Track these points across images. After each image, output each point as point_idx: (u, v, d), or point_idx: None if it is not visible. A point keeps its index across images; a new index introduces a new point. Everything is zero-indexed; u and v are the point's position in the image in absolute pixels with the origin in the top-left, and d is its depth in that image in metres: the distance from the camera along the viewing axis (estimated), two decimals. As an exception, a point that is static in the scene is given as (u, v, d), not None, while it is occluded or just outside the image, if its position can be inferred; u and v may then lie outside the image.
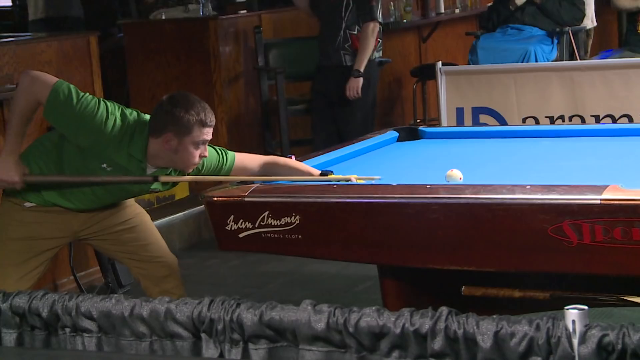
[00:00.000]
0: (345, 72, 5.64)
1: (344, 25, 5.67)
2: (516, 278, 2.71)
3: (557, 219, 2.41)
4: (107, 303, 1.59)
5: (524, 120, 5.13)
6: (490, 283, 2.72)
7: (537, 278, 2.72)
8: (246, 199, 2.76)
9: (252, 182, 2.97)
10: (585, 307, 1.34)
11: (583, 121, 5.00)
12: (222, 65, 6.19)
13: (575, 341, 1.31)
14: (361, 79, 5.59)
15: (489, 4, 6.77)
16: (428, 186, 2.72)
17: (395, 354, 1.45)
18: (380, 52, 5.89)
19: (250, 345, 1.53)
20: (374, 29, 5.64)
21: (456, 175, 2.88)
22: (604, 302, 2.57)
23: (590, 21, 7.30)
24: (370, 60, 5.70)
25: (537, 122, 5.08)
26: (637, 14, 6.17)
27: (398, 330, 1.45)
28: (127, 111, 3.12)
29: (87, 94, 3.11)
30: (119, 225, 3.29)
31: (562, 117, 5.09)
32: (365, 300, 3.89)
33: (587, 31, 7.26)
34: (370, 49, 5.67)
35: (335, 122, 5.77)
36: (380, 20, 5.75)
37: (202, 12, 6.45)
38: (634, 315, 2.76)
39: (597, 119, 5.00)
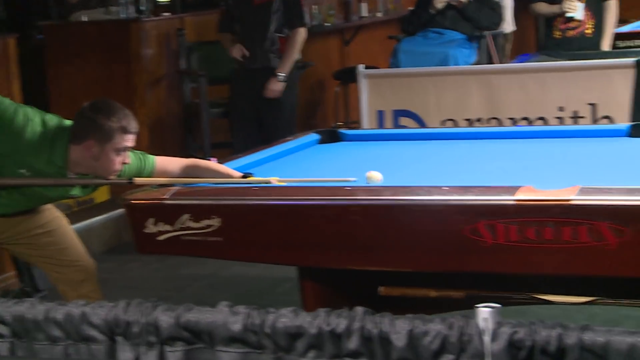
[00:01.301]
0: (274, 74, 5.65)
1: (272, 28, 5.67)
2: (436, 278, 2.74)
3: (473, 219, 2.45)
4: (20, 307, 1.57)
5: (443, 123, 5.19)
6: (410, 283, 2.74)
7: (455, 278, 2.75)
8: (166, 201, 2.74)
9: (173, 185, 2.95)
10: (497, 306, 1.37)
11: (500, 124, 5.08)
12: (144, 68, 6.14)
13: (487, 339, 1.34)
14: (283, 84, 5.60)
15: (411, 8, 6.84)
16: (347, 188, 2.74)
17: (311, 354, 1.47)
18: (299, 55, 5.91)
19: (167, 348, 1.53)
20: (303, 35, 5.67)
21: (376, 177, 2.91)
22: (518, 300, 2.61)
23: (508, 26, 7.43)
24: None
25: (456, 124, 5.14)
26: (554, 19, 6.28)
27: (314, 331, 1.46)
28: (48, 117, 3.08)
29: (6, 99, 3.06)
30: (35, 229, 3.24)
31: (480, 120, 5.17)
32: (285, 302, 3.85)
33: (506, 35, 7.39)
34: (296, 54, 5.70)
35: (258, 125, 5.77)
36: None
37: (124, 14, 6.38)
38: (547, 313, 2.83)
39: (514, 122, 5.08)
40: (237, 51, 5.73)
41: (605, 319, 3.67)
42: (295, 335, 1.45)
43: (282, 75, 5.59)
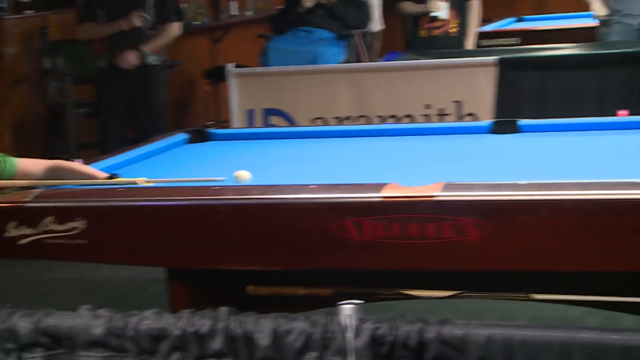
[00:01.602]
0: (150, 70, 5.57)
1: (147, 25, 5.60)
2: (307, 276, 2.75)
3: (340, 217, 2.46)
4: None
5: (312, 121, 5.22)
6: (282, 282, 2.74)
7: (326, 275, 2.77)
8: (27, 204, 2.67)
9: (35, 187, 2.87)
10: (360, 302, 1.38)
11: (369, 121, 5.14)
12: (6, 67, 5.96)
13: (350, 335, 1.35)
14: (138, 58, 5.49)
15: (280, 7, 6.86)
16: (215, 187, 2.72)
17: (175, 355, 1.45)
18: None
19: (25, 354, 1.49)
20: (176, 29, 5.62)
21: (244, 176, 2.90)
22: (385, 296, 2.64)
23: (377, 24, 7.53)
24: (161, 61, 5.67)
25: (325, 122, 5.17)
26: (420, 19, 6.40)
27: (178, 332, 1.45)
28: None
29: None
30: None
31: (349, 118, 5.22)
32: (154, 304, 3.83)
33: (374, 34, 7.49)
34: (163, 44, 5.64)
35: (130, 124, 5.68)
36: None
37: (-16, 11, 6.19)
38: (414, 307, 2.87)
39: (382, 119, 5.16)
40: (137, 19, 5.62)
41: (470, 312, 3.75)
42: (158, 337, 1.43)
43: (143, 51, 5.51)
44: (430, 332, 1.29)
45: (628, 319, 2.83)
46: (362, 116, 5.23)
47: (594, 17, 6.22)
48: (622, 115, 3.85)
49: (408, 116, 5.16)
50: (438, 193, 2.42)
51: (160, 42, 5.55)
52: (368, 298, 2.51)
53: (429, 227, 2.38)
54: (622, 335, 1.17)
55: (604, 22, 6.19)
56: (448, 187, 2.46)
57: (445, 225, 2.38)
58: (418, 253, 2.43)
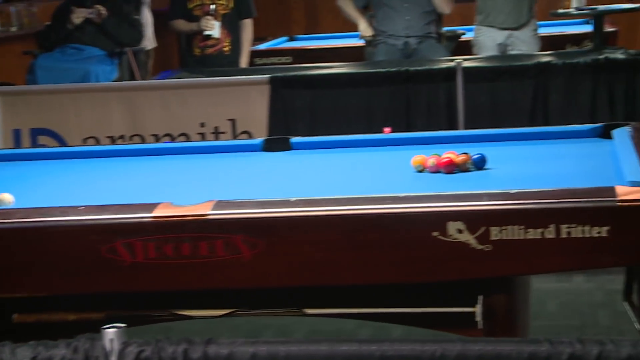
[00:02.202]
0: None
1: None
2: (80, 300, 2.66)
3: (110, 238, 2.42)
4: None
5: (84, 141, 5.09)
6: (55, 307, 2.64)
7: (99, 298, 2.69)
8: None
9: None
10: (122, 325, 1.35)
11: (143, 140, 5.07)
12: None
13: (113, 359, 1.32)
14: None
15: (47, 23, 6.66)
16: (-26, 212, 2.60)
17: None
18: None
19: None
20: None
21: (6, 199, 2.79)
22: (160, 318, 2.61)
23: (150, 42, 7.46)
24: None
25: (98, 142, 5.06)
26: (194, 37, 6.39)
27: None
28: None
29: None
30: None
31: (123, 137, 5.14)
32: None
33: (148, 52, 7.41)
34: None
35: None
36: None
37: None
38: (192, 328, 2.85)
39: (157, 138, 5.10)
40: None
41: (249, 329, 3.77)
42: None
43: None
44: (196, 352, 1.28)
45: (397, 329, 2.92)
46: (136, 135, 5.15)
47: (360, 37, 6.42)
48: (387, 132, 3.95)
49: (183, 135, 5.13)
50: (209, 212, 2.42)
51: None
52: (142, 320, 2.47)
53: (201, 246, 2.38)
54: (379, 346, 1.20)
55: (370, 42, 6.40)
56: (219, 205, 2.47)
57: (217, 243, 2.38)
58: (191, 273, 2.42)
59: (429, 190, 2.56)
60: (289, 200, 2.43)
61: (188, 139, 5.07)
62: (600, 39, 6.00)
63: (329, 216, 2.34)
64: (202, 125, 5.14)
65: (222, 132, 5.16)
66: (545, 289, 4.36)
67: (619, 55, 5.26)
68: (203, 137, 5.13)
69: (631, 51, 5.35)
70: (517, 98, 5.10)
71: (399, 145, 3.45)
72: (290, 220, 2.37)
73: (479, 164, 2.98)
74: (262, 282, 2.42)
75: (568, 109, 5.05)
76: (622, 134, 3.19)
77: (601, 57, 5.15)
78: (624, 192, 2.30)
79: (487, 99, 5.06)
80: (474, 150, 3.02)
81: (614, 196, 2.28)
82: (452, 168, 2.95)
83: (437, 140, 3.42)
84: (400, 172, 3.03)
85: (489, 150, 3.09)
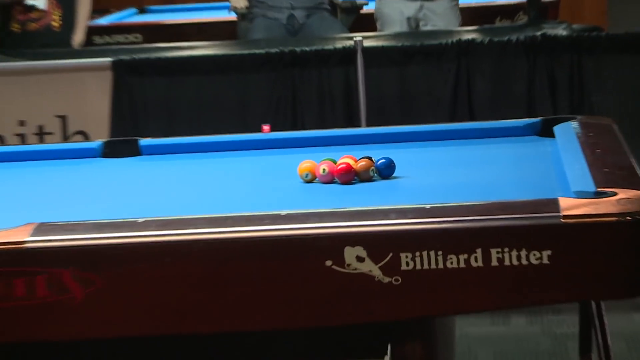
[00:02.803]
0: None
1: None
2: None
3: None
4: None
5: None
6: None
7: None
8: None
9: None
10: None
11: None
12: None
13: None
14: None
15: None
16: None
17: None
18: None
19: None
20: None
21: None
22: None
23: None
24: None
25: None
26: (12, 8, 6.25)
27: None
28: None
29: None
30: None
31: None
32: None
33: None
34: None
35: None
36: None
37: None
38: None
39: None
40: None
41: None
42: None
43: None
44: None
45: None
46: None
47: (231, 9, 6.39)
48: (266, 131, 3.91)
49: (-3, 136, 5.05)
50: (27, 238, 2.33)
51: None
52: None
53: (16, 284, 2.30)
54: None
55: (244, 16, 6.37)
56: (41, 229, 2.38)
57: (38, 280, 2.30)
58: (3, 321, 2.33)
59: (320, 206, 2.55)
60: (135, 222, 2.37)
61: (4, 142, 4.94)
62: (537, 11, 6.08)
63: (188, 242, 2.30)
64: (22, 123, 5.02)
65: (49, 133, 5.06)
66: (475, 335, 4.36)
67: (561, 31, 5.34)
68: (23, 139, 5.01)
69: (575, 26, 5.44)
70: (433, 86, 5.12)
71: (282, 147, 3.49)
72: (137, 248, 2.31)
73: (385, 171, 3.00)
74: (98, 331, 2.33)
75: (498, 99, 5.10)
76: (566, 131, 3.23)
77: (539, 33, 5.21)
78: (569, 205, 2.30)
79: (395, 88, 5.07)
80: (379, 154, 3.05)
81: (557, 211, 2.27)
82: (350, 177, 2.97)
83: (331, 141, 3.47)
84: (284, 182, 3.04)
85: (397, 154, 3.12)
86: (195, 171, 3.35)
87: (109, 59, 5.20)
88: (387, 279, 2.24)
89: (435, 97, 5.17)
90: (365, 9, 6.83)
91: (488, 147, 3.37)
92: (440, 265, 2.25)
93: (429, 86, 5.15)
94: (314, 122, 4.99)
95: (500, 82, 5.16)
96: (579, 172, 2.65)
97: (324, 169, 3.00)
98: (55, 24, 6.34)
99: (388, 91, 5.15)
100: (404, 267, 2.24)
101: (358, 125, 5.02)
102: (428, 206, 2.34)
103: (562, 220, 2.23)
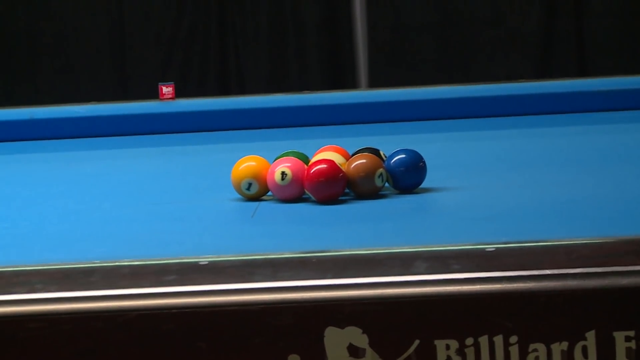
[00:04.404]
0: None
1: None
2: None
3: None
4: None
5: None
6: None
7: None
8: None
9: None
10: None
11: None
12: None
13: None
14: None
15: None
16: None
17: None
18: None
19: None
20: None
21: None
22: None
23: None
24: None
25: None
26: None
27: None
28: None
29: None
30: None
31: None
32: None
33: None
34: None
35: None
36: None
37: None
38: None
39: None
40: None
41: None
42: None
43: None
44: None
45: None
46: None
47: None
48: (167, 96, 3.25)
49: None
50: None
51: None
52: None
53: None
54: None
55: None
56: None
57: None
58: None
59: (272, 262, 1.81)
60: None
61: None
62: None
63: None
64: None
65: None
66: None
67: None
68: None
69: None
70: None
71: (198, 129, 3.07)
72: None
73: (405, 178, 2.28)
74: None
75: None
76: None
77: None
78: None
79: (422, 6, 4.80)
80: (393, 144, 2.41)
81: None
82: (336, 189, 2.23)
83: (299, 117, 2.93)
84: (202, 201, 2.41)
85: (429, 142, 2.71)
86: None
87: None
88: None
89: (506, 26, 4.41)
90: None
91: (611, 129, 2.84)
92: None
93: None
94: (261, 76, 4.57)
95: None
96: None
97: (283, 174, 2.25)
98: None
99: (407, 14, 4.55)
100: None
101: (353, 85, 4.33)
102: (491, 248, 1.76)
103: None
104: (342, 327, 1.65)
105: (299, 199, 2.26)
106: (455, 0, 4.96)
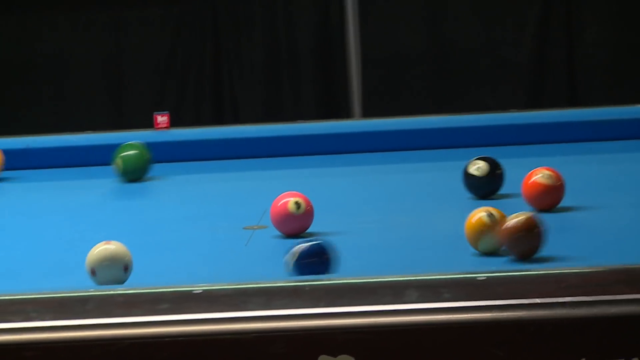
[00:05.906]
0: None
1: None
2: None
3: None
4: None
5: None
6: None
7: None
8: None
9: None
10: None
11: None
12: None
13: None
14: None
15: None
16: None
17: None
18: None
19: None
20: None
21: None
22: None
23: None
24: None
25: None
26: None
27: None
28: None
29: None
30: None
31: None
32: None
33: None
34: None
35: None
36: None
37: None
38: None
39: None
40: None
41: None
42: None
43: None
44: None
45: None
46: None
47: None
48: (162, 125, 3.19)
49: None
50: None
51: None
52: None
53: None
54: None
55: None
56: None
57: None
58: None
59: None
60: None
61: None
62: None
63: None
64: None
65: None
66: None
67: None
68: None
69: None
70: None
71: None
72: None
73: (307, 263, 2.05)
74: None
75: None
76: None
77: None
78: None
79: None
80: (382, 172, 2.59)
81: None
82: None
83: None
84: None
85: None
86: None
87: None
88: None
89: (497, 56, 4.49)
90: None
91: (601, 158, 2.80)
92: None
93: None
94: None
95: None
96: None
97: (297, 204, 2.14)
98: None
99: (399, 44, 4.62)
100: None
101: (347, 114, 4.56)
102: (482, 277, 1.78)
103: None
104: (335, 355, 1.67)
105: (303, 233, 2.15)
106: (448, 30, 4.89)
